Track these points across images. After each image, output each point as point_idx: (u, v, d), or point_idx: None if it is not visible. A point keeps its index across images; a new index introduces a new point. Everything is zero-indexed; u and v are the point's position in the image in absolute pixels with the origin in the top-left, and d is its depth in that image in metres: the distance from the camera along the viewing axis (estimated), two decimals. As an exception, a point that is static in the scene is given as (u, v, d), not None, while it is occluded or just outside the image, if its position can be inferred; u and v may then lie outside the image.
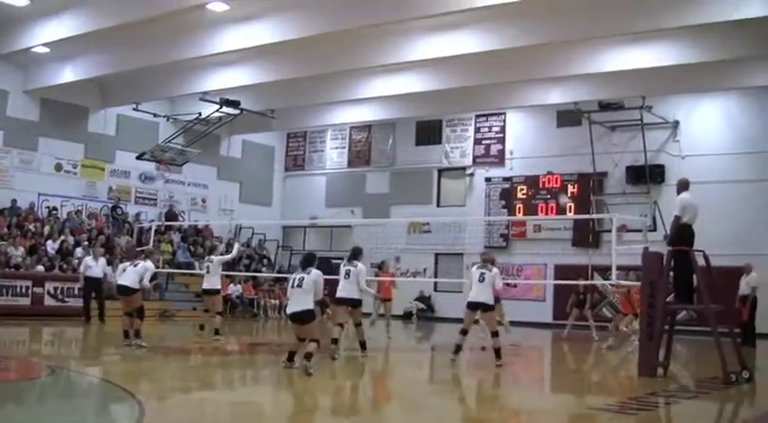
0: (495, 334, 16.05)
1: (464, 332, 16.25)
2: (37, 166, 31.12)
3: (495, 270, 16.20)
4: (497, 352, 15.95)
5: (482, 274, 15.99)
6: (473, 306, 16.04)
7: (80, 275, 25.12)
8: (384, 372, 16.79)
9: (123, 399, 10.70)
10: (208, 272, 20.72)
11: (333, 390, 13.07)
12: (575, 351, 22.47)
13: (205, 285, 20.79)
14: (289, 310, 14.04)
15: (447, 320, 24.71)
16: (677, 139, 30.60)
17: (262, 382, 14.22)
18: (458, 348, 16.19)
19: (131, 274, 17.36)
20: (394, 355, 19.79)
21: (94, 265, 25.08)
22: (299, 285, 13.75)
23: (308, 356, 13.28)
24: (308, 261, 14.38)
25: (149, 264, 17.87)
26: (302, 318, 13.72)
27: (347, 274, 16.66)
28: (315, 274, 13.87)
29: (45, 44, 25.70)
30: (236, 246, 23.12)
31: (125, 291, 17.38)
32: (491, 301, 16.01)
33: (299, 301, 13.74)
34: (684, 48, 23.57)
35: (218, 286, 20.98)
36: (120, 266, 18.53)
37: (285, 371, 13.77)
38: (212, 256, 21.74)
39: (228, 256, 22.14)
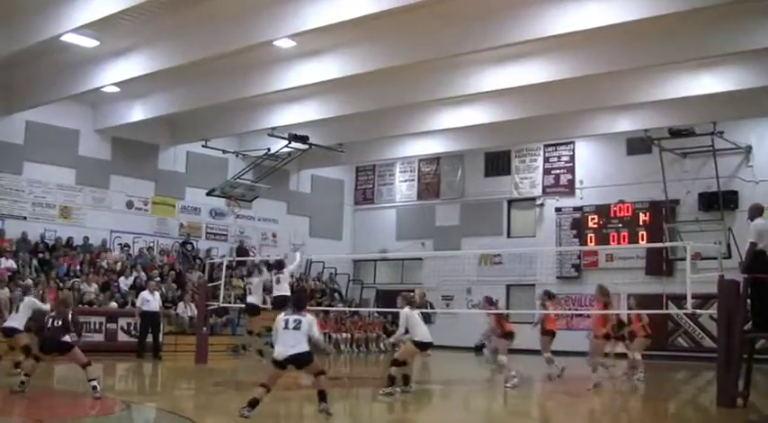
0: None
1: (403, 364, 16.41)
2: (109, 203, 31.59)
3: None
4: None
5: (421, 314, 16.72)
6: (426, 346, 16.38)
7: (137, 310, 25.42)
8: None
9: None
10: (250, 293, 22.27)
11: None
12: (648, 381, 22.05)
13: (248, 300, 22.34)
14: (284, 354, 12.06)
15: (519, 352, 24.32)
16: (750, 164, 30.15)
17: (337, 418, 14.07)
18: (406, 379, 16.50)
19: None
20: (465, 388, 19.63)
21: (152, 299, 25.28)
22: (296, 328, 12.15)
23: (324, 396, 12.25)
24: (301, 302, 13.03)
25: None
26: (303, 360, 12.27)
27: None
28: (311, 317, 12.55)
29: (115, 83, 25.97)
30: (264, 271, 23.60)
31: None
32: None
33: (298, 341, 12.12)
34: (755, 71, 23.23)
35: (258, 303, 22.10)
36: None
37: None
38: (252, 278, 22.81)
39: (258, 279, 22.56)
